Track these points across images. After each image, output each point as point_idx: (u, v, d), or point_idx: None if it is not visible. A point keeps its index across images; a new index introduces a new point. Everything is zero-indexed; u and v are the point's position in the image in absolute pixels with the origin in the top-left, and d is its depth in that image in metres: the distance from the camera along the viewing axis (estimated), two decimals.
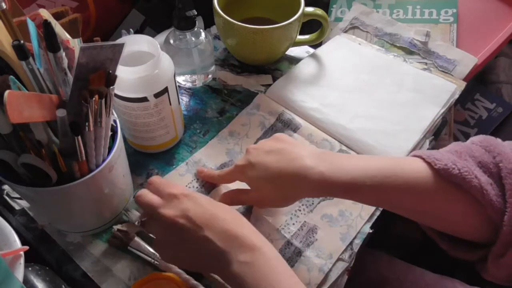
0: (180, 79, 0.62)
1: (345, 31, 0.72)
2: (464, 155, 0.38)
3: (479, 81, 0.83)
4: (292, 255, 0.46)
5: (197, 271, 0.42)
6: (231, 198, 0.48)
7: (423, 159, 0.39)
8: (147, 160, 0.54)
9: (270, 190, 0.43)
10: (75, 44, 0.36)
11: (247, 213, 0.49)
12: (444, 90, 0.61)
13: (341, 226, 0.48)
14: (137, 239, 0.45)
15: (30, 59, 0.33)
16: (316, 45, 0.67)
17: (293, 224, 0.48)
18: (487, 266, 0.37)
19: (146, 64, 0.44)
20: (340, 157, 0.42)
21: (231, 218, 0.38)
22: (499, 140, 0.39)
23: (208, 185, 0.51)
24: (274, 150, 0.43)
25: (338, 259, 0.46)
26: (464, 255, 0.40)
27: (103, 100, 0.35)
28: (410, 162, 0.40)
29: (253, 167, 0.43)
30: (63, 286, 0.42)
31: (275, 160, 0.42)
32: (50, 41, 0.33)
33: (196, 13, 0.54)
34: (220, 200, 0.48)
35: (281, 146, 0.43)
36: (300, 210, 0.49)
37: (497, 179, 0.36)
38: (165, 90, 0.47)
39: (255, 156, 0.44)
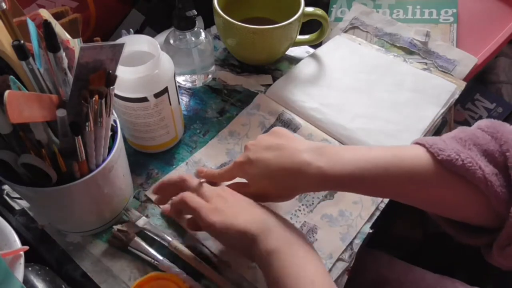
0: (180, 79, 0.62)
1: (345, 31, 0.72)
2: (469, 144, 0.37)
3: (479, 81, 0.83)
4: None
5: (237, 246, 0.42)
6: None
7: (426, 148, 0.38)
8: (147, 160, 0.54)
9: (269, 186, 0.43)
10: (75, 44, 0.36)
11: None
12: (444, 90, 0.61)
13: (341, 226, 0.48)
14: (137, 239, 0.45)
15: (30, 59, 0.33)
16: (316, 45, 0.67)
17: (293, 224, 0.48)
18: (492, 253, 0.37)
19: (146, 64, 0.44)
20: (339, 150, 0.42)
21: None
22: (507, 125, 0.38)
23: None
24: (272, 145, 0.43)
25: (338, 259, 0.46)
26: (469, 240, 0.40)
27: (103, 100, 0.35)
28: (411, 151, 0.39)
29: (252, 163, 0.43)
30: (63, 286, 0.42)
31: (273, 156, 0.42)
32: (50, 41, 0.33)
33: (196, 13, 0.54)
34: None
35: (279, 142, 0.43)
36: (300, 210, 0.50)
37: (502, 168, 0.36)
38: (165, 90, 0.47)
39: (254, 153, 0.44)
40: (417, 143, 0.40)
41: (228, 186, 0.48)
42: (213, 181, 0.51)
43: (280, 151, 0.42)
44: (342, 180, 0.39)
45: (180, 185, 0.45)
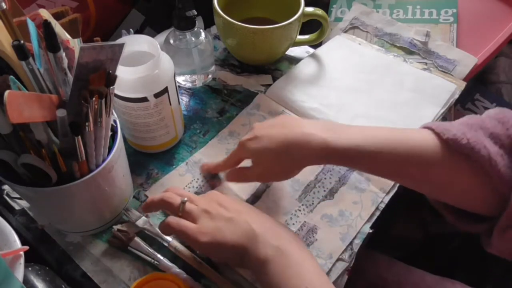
0: (180, 79, 0.62)
1: (345, 31, 0.72)
2: (475, 127, 0.37)
3: (479, 81, 0.83)
4: None
5: (228, 260, 0.42)
6: (236, 175, 0.48)
7: (433, 130, 0.39)
8: (147, 160, 0.54)
9: (273, 161, 0.43)
10: (75, 44, 0.36)
11: None
12: (444, 90, 0.61)
13: (341, 226, 0.48)
14: (137, 239, 0.45)
15: (30, 59, 0.33)
16: (316, 45, 0.67)
17: (293, 224, 0.48)
18: (491, 239, 0.37)
19: (146, 64, 0.44)
20: (344, 126, 0.42)
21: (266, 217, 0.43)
22: None
23: (207, 185, 0.51)
24: (278, 123, 0.44)
25: (338, 259, 0.46)
26: (470, 227, 0.40)
27: (103, 100, 0.35)
28: (418, 132, 0.39)
29: (257, 139, 0.44)
30: (63, 286, 0.42)
31: (278, 131, 0.43)
32: (50, 41, 0.33)
33: (196, 13, 0.54)
34: (226, 177, 0.49)
35: (285, 120, 0.45)
36: (300, 210, 0.50)
37: (508, 150, 0.36)
38: (165, 90, 0.47)
39: (259, 130, 0.44)
40: (424, 126, 0.40)
41: (232, 170, 0.48)
42: (218, 171, 0.51)
43: (285, 127, 0.43)
44: (346, 153, 0.40)
45: (165, 206, 0.43)
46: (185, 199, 0.42)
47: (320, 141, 0.40)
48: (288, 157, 0.42)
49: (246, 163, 0.47)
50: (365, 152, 0.39)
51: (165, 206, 0.43)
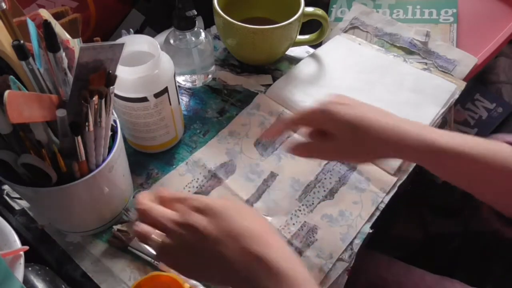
0: (180, 79, 0.62)
1: (345, 31, 0.72)
2: None
3: (479, 81, 0.83)
4: None
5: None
6: (306, 148, 0.43)
7: None
8: (147, 160, 0.54)
9: (355, 139, 0.39)
10: (75, 44, 0.36)
11: None
12: (444, 90, 0.61)
13: (341, 226, 0.48)
14: (137, 239, 0.45)
15: (30, 59, 0.33)
16: (316, 45, 0.67)
17: (293, 224, 0.48)
18: None
19: (146, 64, 0.44)
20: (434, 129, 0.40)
21: (258, 235, 0.32)
22: None
23: (207, 185, 0.51)
24: (364, 104, 0.41)
25: (338, 259, 0.46)
26: None
27: (103, 100, 0.35)
28: (497, 144, 0.38)
29: (349, 105, 0.39)
30: (63, 286, 0.42)
31: (377, 111, 0.40)
32: (50, 41, 0.33)
33: (196, 13, 0.54)
34: (289, 150, 0.44)
35: (370, 105, 0.42)
36: (300, 210, 0.50)
37: None
38: (165, 90, 0.47)
39: (352, 100, 0.41)
40: (505, 141, 0.39)
41: (300, 143, 0.43)
42: (286, 129, 0.46)
43: (382, 112, 0.40)
44: (447, 151, 0.37)
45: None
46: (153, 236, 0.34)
47: (416, 137, 0.38)
48: (374, 145, 0.39)
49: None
50: (459, 156, 0.37)
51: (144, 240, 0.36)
